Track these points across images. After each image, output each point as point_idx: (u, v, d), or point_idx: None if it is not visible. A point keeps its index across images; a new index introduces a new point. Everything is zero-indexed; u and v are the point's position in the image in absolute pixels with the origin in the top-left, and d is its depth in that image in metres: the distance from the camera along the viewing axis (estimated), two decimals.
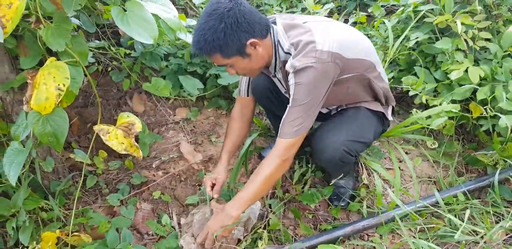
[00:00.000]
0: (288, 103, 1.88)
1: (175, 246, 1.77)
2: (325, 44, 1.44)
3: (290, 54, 1.51)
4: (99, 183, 2.06)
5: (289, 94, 1.79)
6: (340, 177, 2.00)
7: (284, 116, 1.54)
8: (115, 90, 2.66)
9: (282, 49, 1.54)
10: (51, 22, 1.45)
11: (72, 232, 1.76)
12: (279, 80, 1.75)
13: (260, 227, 1.88)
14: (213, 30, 1.40)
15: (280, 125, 1.55)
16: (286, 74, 1.58)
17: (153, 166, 2.18)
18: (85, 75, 1.56)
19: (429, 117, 2.09)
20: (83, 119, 2.47)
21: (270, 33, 1.53)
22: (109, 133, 1.53)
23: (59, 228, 1.81)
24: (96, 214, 1.81)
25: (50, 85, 1.39)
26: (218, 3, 1.40)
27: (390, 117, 1.91)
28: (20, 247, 1.72)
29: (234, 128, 1.92)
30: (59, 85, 1.38)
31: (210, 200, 1.81)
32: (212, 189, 1.80)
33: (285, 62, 1.55)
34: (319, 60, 1.42)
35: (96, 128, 1.52)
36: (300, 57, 1.44)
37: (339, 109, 1.82)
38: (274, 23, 1.59)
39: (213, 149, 2.30)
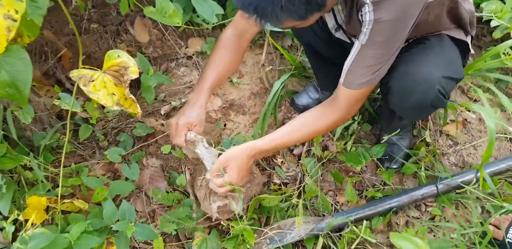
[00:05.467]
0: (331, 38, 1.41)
1: (188, 216, 1.44)
2: None
3: None
4: (95, 134, 1.68)
5: (342, 31, 1.34)
6: (397, 133, 1.58)
7: (352, 59, 1.13)
8: (114, 13, 2.16)
9: None
10: None
11: (62, 197, 1.44)
12: (332, 10, 1.26)
13: (294, 194, 1.53)
14: None
15: (346, 70, 1.16)
16: (352, 2, 1.11)
17: (162, 112, 1.78)
18: None
19: None
20: (76, 50, 2.03)
21: None
22: (93, 81, 1.10)
23: (48, 191, 1.48)
24: (89, 179, 1.44)
25: None
26: None
27: (472, 50, 1.44)
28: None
29: (224, 59, 1.38)
30: (8, 11, 0.92)
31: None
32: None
33: None
34: None
35: (74, 74, 1.08)
36: None
37: (412, 40, 1.34)
38: None
39: (235, 93, 1.86)
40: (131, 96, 1.15)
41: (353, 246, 1.35)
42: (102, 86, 1.12)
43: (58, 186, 1.48)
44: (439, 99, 1.23)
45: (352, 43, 1.19)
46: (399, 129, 1.59)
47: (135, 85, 1.86)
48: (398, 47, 1.11)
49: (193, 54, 1.99)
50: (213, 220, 1.43)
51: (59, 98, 1.45)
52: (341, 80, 1.18)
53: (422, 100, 1.23)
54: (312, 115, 1.26)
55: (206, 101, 1.35)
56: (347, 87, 1.16)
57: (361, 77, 1.13)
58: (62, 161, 1.34)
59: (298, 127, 1.26)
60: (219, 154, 1.29)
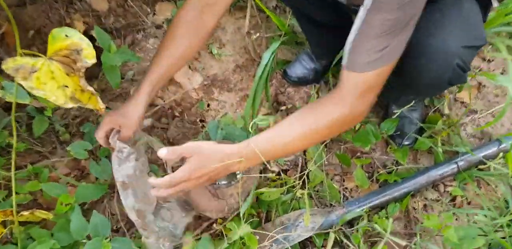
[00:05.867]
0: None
1: None
2: None
3: None
4: (54, 126, 1.41)
5: None
6: (410, 105, 1.36)
7: (355, 31, 0.82)
8: None
9: None
10: None
11: (20, 205, 1.21)
12: None
13: (297, 183, 1.32)
14: None
15: (349, 46, 0.84)
16: None
17: (132, 93, 1.50)
18: None
19: None
20: (22, 24, 1.70)
21: None
22: (35, 71, 0.83)
23: (2, 200, 1.23)
24: (48, 185, 1.18)
25: None
26: None
27: (495, 2, 1.18)
28: None
29: (179, 43, 1.07)
30: None
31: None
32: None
33: None
34: None
35: (8, 66, 0.80)
36: None
37: None
38: None
39: (217, 66, 1.59)
40: (90, 88, 0.90)
41: (380, 246, 1.16)
42: (49, 78, 0.86)
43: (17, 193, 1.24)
44: (459, 75, 1.01)
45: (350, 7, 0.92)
46: (413, 101, 1.37)
47: (96, 63, 1.57)
48: (415, 12, 0.80)
49: (162, 22, 1.68)
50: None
51: (2, 88, 1.17)
52: (343, 61, 0.87)
53: (438, 78, 1.01)
54: (308, 110, 0.93)
55: (146, 98, 1.07)
56: (351, 69, 0.85)
57: (367, 54, 0.82)
58: (13, 163, 1.08)
59: (288, 129, 0.91)
60: None
